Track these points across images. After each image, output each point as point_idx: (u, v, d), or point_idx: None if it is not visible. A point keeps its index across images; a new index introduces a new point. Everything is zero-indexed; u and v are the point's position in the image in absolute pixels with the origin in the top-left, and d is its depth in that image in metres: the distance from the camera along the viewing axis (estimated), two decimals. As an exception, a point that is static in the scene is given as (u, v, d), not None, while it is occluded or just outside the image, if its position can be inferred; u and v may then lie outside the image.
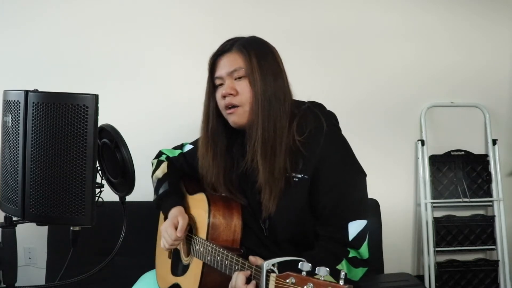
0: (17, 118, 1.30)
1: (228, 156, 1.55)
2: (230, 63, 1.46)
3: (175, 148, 1.82)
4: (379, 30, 2.82)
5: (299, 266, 1.05)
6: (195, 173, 1.69)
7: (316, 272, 1.03)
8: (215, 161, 1.54)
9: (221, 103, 1.48)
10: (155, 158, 1.82)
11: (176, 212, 1.58)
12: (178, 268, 1.65)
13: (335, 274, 1.30)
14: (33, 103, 1.27)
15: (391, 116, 2.88)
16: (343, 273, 1.03)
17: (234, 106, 1.45)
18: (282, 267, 1.13)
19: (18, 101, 1.30)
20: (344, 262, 1.35)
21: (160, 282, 1.73)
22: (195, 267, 1.53)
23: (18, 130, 1.29)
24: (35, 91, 1.28)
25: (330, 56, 2.79)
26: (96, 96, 1.25)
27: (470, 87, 2.95)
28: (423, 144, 2.89)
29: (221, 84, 1.48)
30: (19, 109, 1.29)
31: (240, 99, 1.44)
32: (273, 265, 1.13)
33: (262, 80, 1.41)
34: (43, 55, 2.57)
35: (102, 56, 2.60)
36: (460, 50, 2.92)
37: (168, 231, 1.53)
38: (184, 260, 1.62)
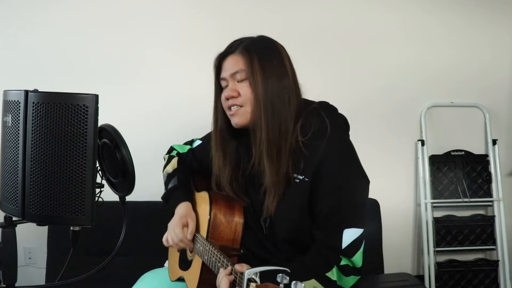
0: (17, 118, 1.30)
1: (235, 157, 1.55)
2: (233, 65, 1.46)
3: (186, 143, 1.83)
4: (379, 30, 2.82)
5: (277, 279, 1.05)
6: (203, 169, 1.69)
7: (292, 286, 1.02)
8: (225, 161, 1.53)
9: (224, 104, 1.49)
10: (166, 153, 1.82)
11: (184, 210, 1.57)
12: (185, 262, 1.66)
13: (324, 281, 1.31)
14: (33, 103, 1.27)
15: (391, 116, 2.88)
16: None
17: (237, 106, 1.45)
18: (267, 275, 1.13)
19: (18, 101, 1.30)
20: (335, 269, 1.34)
21: (170, 273, 1.75)
22: (196, 264, 1.54)
23: (18, 130, 1.30)
24: (35, 91, 1.28)
25: (330, 56, 2.79)
26: (96, 96, 1.26)
27: (470, 87, 2.95)
28: (423, 144, 2.89)
29: (226, 86, 1.48)
30: (19, 109, 1.29)
31: (242, 100, 1.44)
32: (255, 274, 1.13)
33: (264, 82, 1.41)
34: (43, 55, 2.57)
35: (103, 56, 2.60)
36: (460, 50, 2.92)
37: (176, 231, 1.52)
38: (189, 255, 1.63)
